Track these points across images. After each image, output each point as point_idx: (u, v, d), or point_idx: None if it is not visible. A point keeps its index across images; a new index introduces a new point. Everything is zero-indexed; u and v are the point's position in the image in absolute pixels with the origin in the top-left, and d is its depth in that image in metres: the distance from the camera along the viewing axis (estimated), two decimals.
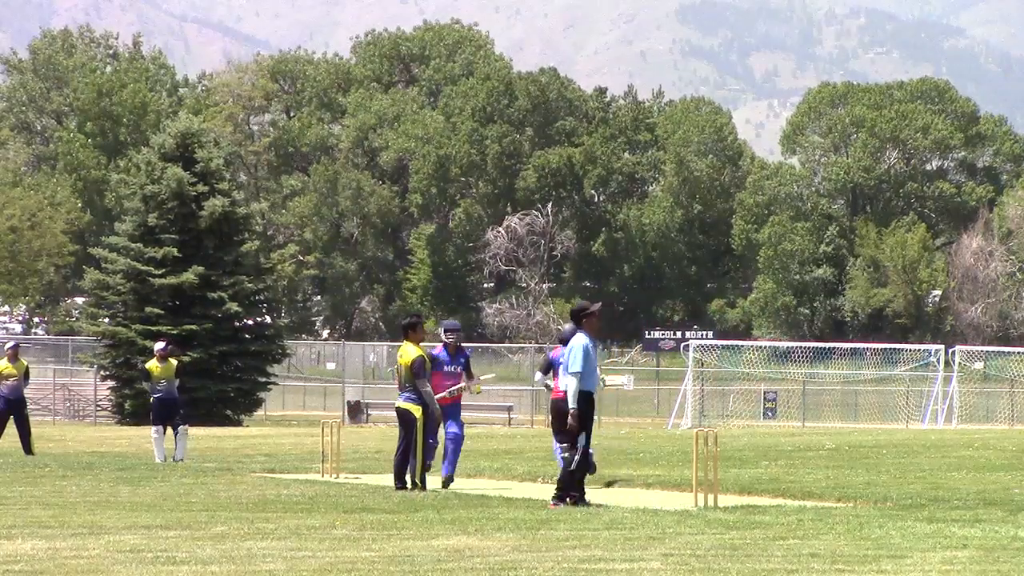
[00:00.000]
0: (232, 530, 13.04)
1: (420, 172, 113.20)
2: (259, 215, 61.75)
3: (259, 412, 54.62)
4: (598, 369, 16.98)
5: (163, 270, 50.34)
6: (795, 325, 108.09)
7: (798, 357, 60.58)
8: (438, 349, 19.10)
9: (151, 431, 26.30)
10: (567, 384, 15.98)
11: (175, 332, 47.29)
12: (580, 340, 16.06)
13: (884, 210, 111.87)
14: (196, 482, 20.04)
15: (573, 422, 15.78)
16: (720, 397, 56.36)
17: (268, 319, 56.58)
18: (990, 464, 23.49)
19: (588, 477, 16.65)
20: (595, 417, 19.15)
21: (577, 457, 15.86)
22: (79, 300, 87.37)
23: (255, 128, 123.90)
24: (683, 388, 52.65)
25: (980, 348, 72.74)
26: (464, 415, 21.41)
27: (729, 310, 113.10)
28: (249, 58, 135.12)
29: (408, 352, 18.36)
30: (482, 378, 21.00)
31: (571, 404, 15.84)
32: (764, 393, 58.42)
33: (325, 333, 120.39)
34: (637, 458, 25.73)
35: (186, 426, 26.00)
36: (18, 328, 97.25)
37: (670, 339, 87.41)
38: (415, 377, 18.18)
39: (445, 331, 19.23)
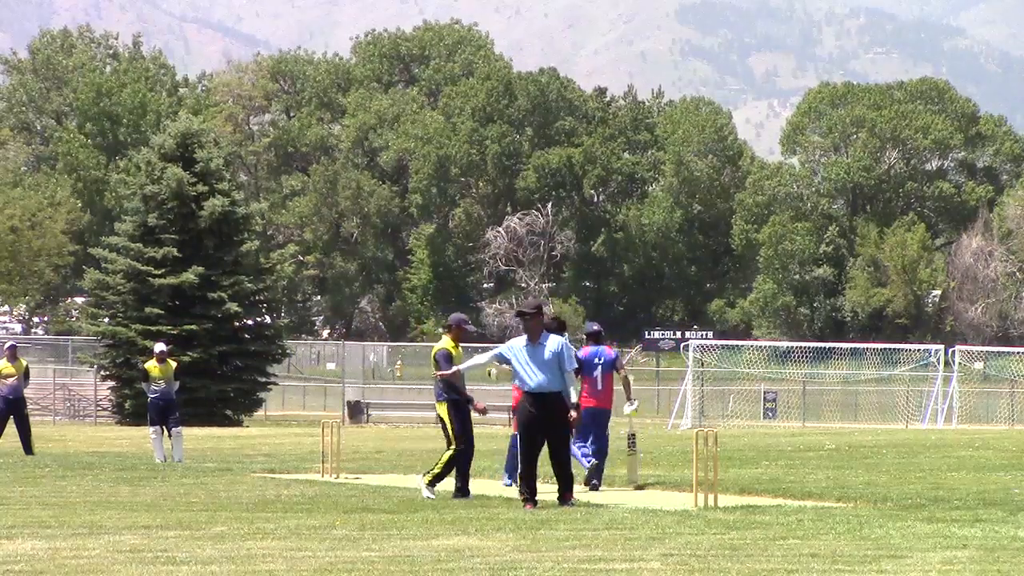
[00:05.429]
0: (232, 530, 13.03)
1: (420, 172, 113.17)
2: (259, 215, 61.63)
3: (259, 412, 54.63)
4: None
5: (163, 270, 50.34)
6: (795, 325, 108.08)
7: (798, 357, 60.62)
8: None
9: (149, 431, 26.34)
10: (569, 383, 15.89)
11: (175, 332, 47.33)
12: (556, 340, 15.84)
13: (884, 210, 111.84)
14: (196, 482, 20.04)
15: (576, 415, 15.78)
16: (720, 397, 56.32)
17: (268, 319, 56.58)
18: (990, 464, 23.47)
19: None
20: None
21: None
22: (79, 300, 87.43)
23: (255, 128, 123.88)
24: (683, 388, 52.62)
25: (980, 348, 72.69)
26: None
27: (729, 310, 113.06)
28: (249, 58, 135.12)
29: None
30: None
31: (573, 398, 15.80)
32: (764, 393, 58.40)
33: (325, 333, 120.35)
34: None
35: (180, 428, 25.98)
36: (18, 328, 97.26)
37: (670, 339, 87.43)
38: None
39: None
